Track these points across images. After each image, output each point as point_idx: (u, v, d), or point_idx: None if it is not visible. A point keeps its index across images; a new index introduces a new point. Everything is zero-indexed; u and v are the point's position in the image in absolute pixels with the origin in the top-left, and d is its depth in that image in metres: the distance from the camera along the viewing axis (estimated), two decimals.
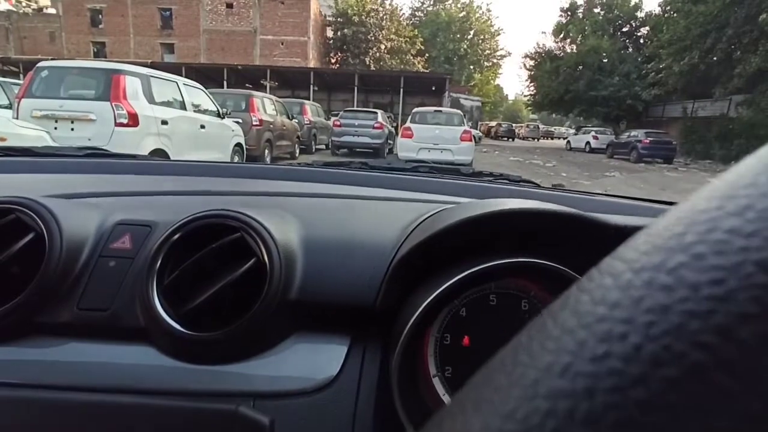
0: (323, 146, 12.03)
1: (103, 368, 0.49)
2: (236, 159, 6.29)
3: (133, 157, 1.01)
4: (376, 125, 10.33)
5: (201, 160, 1.09)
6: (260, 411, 0.46)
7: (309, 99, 21.92)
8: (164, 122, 4.51)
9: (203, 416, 0.46)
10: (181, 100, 4.98)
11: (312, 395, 0.48)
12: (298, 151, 9.84)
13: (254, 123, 7.41)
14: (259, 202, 0.69)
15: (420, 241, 0.49)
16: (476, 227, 0.48)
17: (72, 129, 4.10)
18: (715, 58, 17.07)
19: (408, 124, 7.92)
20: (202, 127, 5.27)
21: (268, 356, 0.50)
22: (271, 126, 7.94)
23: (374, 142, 10.38)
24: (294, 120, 9.98)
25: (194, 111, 5.22)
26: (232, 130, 6.12)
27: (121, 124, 4.07)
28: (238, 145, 6.35)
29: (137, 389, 0.47)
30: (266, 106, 8.00)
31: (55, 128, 4.04)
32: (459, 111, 8.58)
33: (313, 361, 0.50)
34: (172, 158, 3.91)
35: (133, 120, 4.13)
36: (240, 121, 7.37)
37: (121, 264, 0.53)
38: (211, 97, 5.75)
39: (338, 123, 10.56)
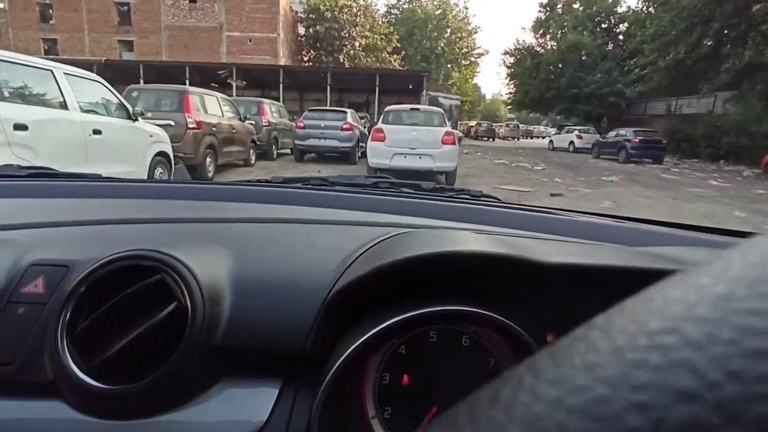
0: (288, 150, 10.66)
1: (8, 426, 0.45)
2: (159, 171, 4.91)
3: (81, 177, 0.95)
4: (344, 126, 9.04)
5: (160, 181, 0.76)
6: None
7: (279, 98, 20.78)
8: (20, 127, 3.12)
9: None
10: (59, 96, 3.58)
11: None
12: (254, 157, 8.48)
13: (190, 125, 6.03)
14: (194, 233, 0.63)
15: (356, 277, 0.46)
16: (411, 267, 0.46)
17: None
18: (701, 53, 16.41)
19: (379, 124, 6.60)
20: (97, 132, 3.89)
21: (191, 406, 0.45)
22: (214, 129, 6.57)
23: (343, 146, 9.09)
24: (250, 122, 8.63)
25: (83, 111, 3.83)
26: (150, 136, 4.74)
27: None
28: (162, 154, 4.96)
29: None
30: (207, 105, 6.61)
31: None
32: (439, 109, 7.33)
33: (241, 408, 0.46)
34: None
35: None
36: (172, 123, 6.00)
37: (32, 311, 0.47)
38: (115, 92, 4.35)
39: (302, 125, 9.24)
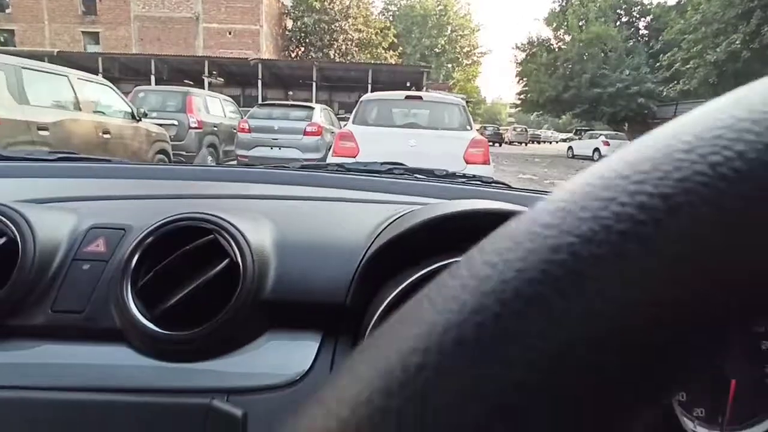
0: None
1: (78, 369, 0.50)
2: None
3: (107, 161, 1.02)
4: (309, 130, 6.05)
5: (173, 164, 0.96)
6: (233, 405, 0.48)
7: (258, 96, 17.90)
8: None
9: (178, 410, 0.48)
10: None
11: (284, 389, 0.49)
12: None
13: None
14: (233, 205, 0.69)
15: (387, 240, 0.51)
16: (440, 226, 0.50)
17: None
18: (763, 42, 13.51)
19: (349, 126, 3.61)
20: None
21: (241, 353, 0.51)
22: (46, 133, 3.57)
23: (307, 158, 6.09)
24: (171, 121, 5.69)
25: None
26: None
27: None
28: None
29: (113, 388, 0.48)
30: (35, 89, 3.62)
31: None
32: (460, 100, 4.31)
33: (286, 357, 0.51)
34: None
35: None
36: None
37: (95, 267, 0.53)
38: None
39: (245, 127, 6.23)
